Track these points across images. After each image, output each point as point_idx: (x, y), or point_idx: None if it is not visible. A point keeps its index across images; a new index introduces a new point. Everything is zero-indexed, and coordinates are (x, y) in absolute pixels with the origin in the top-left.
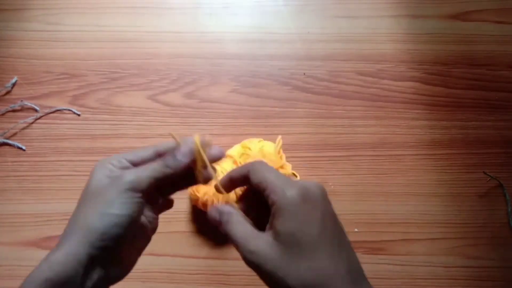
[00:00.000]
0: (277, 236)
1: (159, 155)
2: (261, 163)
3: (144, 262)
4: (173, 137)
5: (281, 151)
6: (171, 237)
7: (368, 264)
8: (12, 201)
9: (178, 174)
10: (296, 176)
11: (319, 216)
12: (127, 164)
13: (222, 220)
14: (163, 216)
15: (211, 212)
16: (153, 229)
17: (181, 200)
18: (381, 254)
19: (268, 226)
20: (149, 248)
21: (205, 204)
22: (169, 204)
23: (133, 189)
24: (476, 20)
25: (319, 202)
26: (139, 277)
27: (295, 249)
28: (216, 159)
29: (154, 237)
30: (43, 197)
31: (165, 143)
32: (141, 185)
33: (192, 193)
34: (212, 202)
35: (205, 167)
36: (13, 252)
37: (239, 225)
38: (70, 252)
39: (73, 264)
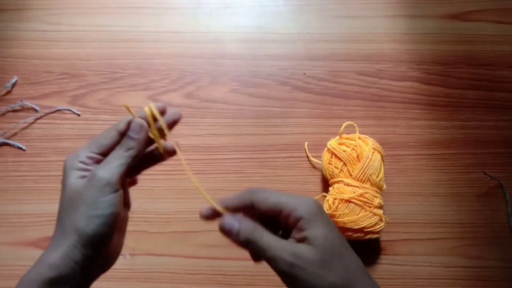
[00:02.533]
0: (311, 242)
1: (122, 134)
2: (261, 189)
3: (144, 262)
4: (128, 110)
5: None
6: (171, 237)
7: (368, 264)
8: (12, 201)
9: (143, 151)
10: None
11: (332, 222)
12: (96, 156)
13: (244, 228)
14: (162, 216)
15: (228, 220)
16: (128, 206)
17: (181, 200)
18: (381, 254)
19: (291, 240)
20: (149, 248)
21: (342, 228)
22: (134, 182)
23: (110, 184)
24: (476, 20)
25: (325, 212)
26: (139, 277)
27: (333, 251)
28: (173, 123)
29: (154, 237)
30: (43, 197)
31: (123, 120)
32: (116, 178)
33: (332, 217)
34: None
35: (163, 137)
36: (13, 252)
37: (270, 233)
38: (66, 255)
39: (71, 265)
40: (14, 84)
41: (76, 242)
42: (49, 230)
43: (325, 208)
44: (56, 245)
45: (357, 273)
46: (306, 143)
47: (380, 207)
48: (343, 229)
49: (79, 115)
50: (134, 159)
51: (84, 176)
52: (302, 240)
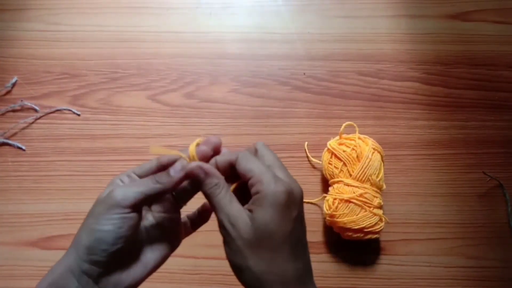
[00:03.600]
0: (254, 221)
1: (162, 167)
2: (248, 153)
3: None
4: (165, 152)
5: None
6: None
7: (368, 264)
8: (12, 201)
9: (173, 188)
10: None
11: (293, 216)
12: (136, 178)
13: (208, 182)
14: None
15: (195, 168)
16: (176, 241)
17: None
18: (381, 254)
19: (246, 206)
20: None
21: (342, 228)
22: (204, 218)
23: (119, 205)
24: (476, 20)
25: (297, 203)
26: None
27: (265, 239)
28: (217, 149)
29: None
30: (43, 197)
31: (168, 156)
32: (128, 201)
33: (329, 218)
34: None
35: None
36: (13, 252)
37: (227, 195)
38: (66, 264)
39: (67, 274)
40: (14, 84)
41: (75, 253)
42: (49, 230)
43: (324, 209)
44: (65, 253)
45: (287, 276)
46: (306, 143)
47: (380, 207)
48: (343, 229)
49: (79, 115)
50: (157, 193)
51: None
52: (249, 211)
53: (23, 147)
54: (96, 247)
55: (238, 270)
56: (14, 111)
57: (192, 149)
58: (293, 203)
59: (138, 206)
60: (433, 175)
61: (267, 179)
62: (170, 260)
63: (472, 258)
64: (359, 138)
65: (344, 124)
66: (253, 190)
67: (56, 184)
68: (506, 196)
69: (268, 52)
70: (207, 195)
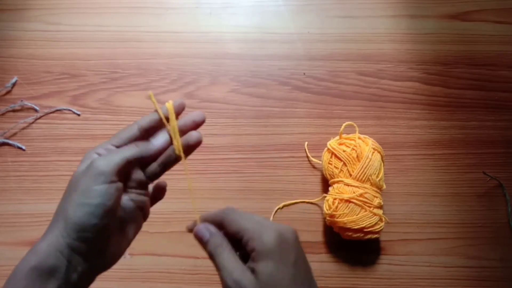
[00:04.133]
0: (257, 275)
1: (144, 131)
2: (233, 211)
3: (144, 262)
4: (152, 101)
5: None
6: (171, 237)
7: (368, 264)
8: (12, 201)
9: (153, 156)
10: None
11: (293, 259)
12: (113, 149)
13: (212, 242)
14: (162, 216)
15: (201, 229)
16: (144, 216)
17: (181, 200)
18: (381, 254)
19: (247, 265)
20: (149, 248)
21: (342, 228)
22: (161, 192)
23: (104, 174)
24: (476, 20)
25: (292, 246)
26: (139, 277)
27: None
28: (197, 124)
29: (154, 237)
30: (43, 197)
31: (147, 117)
32: (111, 169)
33: (329, 218)
34: None
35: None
36: (13, 252)
37: (230, 255)
38: (52, 243)
39: (56, 254)
40: (14, 84)
41: (62, 230)
42: None
43: (324, 209)
44: (46, 232)
45: None
46: (306, 143)
47: (380, 207)
48: (343, 229)
49: (79, 115)
50: (138, 157)
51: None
52: (252, 271)
53: (23, 147)
54: (87, 223)
55: None
56: (14, 111)
57: (169, 106)
58: (286, 246)
59: (122, 173)
60: (433, 175)
61: (257, 234)
62: (170, 260)
63: (472, 258)
64: (359, 138)
65: (344, 124)
66: (248, 248)
67: (56, 184)
68: (506, 196)
69: (268, 52)
70: (210, 255)
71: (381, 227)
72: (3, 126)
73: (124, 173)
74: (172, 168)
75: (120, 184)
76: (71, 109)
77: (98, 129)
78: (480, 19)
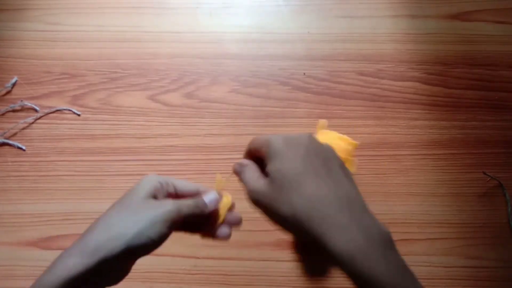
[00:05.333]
0: (268, 175)
1: (197, 194)
2: (259, 136)
3: (144, 262)
4: (217, 181)
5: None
6: (171, 237)
7: None
8: (12, 201)
9: (199, 217)
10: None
11: (302, 153)
12: (173, 191)
13: (238, 165)
14: None
15: (235, 166)
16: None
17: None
18: None
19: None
20: None
21: None
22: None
23: (168, 219)
24: (476, 20)
25: (302, 144)
26: (139, 277)
27: (285, 183)
28: (233, 224)
29: None
30: (43, 197)
31: (209, 189)
32: (175, 217)
33: None
34: None
35: (220, 223)
36: (13, 252)
37: (250, 171)
38: (80, 262)
39: (83, 271)
40: (14, 84)
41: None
42: (49, 230)
43: None
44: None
45: (323, 202)
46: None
47: None
48: None
49: (79, 115)
50: (192, 216)
51: (152, 196)
52: (266, 175)
53: (23, 147)
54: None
55: (287, 219)
56: (14, 111)
57: (228, 200)
58: (294, 145)
59: (176, 225)
60: (433, 175)
61: (267, 139)
62: (170, 260)
63: (472, 258)
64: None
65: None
66: (264, 157)
67: (56, 184)
68: (506, 196)
69: (268, 52)
70: (238, 177)
71: None
72: (3, 126)
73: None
74: (172, 169)
75: (168, 232)
76: (71, 109)
77: (98, 129)
78: (480, 19)
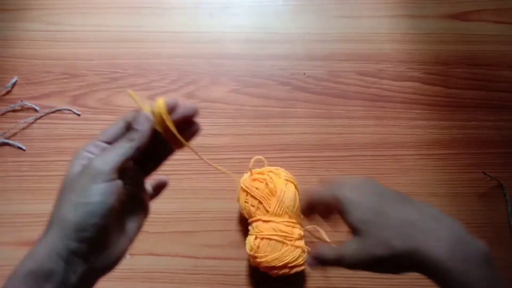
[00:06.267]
0: (352, 230)
1: (129, 126)
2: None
3: (144, 262)
4: (133, 99)
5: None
6: (171, 237)
7: None
8: (12, 201)
9: (147, 144)
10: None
11: (372, 192)
12: (102, 145)
13: (320, 257)
14: (162, 216)
15: (309, 262)
16: (145, 212)
17: (181, 200)
18: None
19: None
20: (149, 248)
21: (267, 267)
22: (161, 187)
23: (103, 172)
24: (476, 20)
25: (368, 184)
26: (139, 277)
27: (370, 225)
28: (189, 117)
29: (154, 237)
30: (43, 197)
31: (132, 112)
32: (110, 167)
33: (252, 260)
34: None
35: (171, 132)
36: (13, 252)
37: (325, 248)
38: (49, 246)
39: (53, 257)
40: (14, 84)
41: (60, 232)
42: None
43: (247, 249)
44: (43, 236)
45: (414, 220)
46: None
47: (301, 238)
48: (268, 268)
49: (79, 115)
50: (135, 151)
51: (83, 165)
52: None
53: (23, 147)
54: (86, 222)
55: (392, 257)
56: (14, 111)
57: (160, 103)
58: (361, 190)
59: (120, 171)
60: (433, 175)
61: (338, 195)
62: (170, 260)
63: None
64: (269, 171)
65: (253, 160)
66: (337, 212)
67: (56, 184)
68: (506, 196)
69: (268, 52)
70: (326, 263)
71: (304, 258)
72: (3, 126)
73: (122, 169)
74: (171, 169)
75: (119, 182)
76: (71, 109)
77: (98, 129)
78: (480, 19)
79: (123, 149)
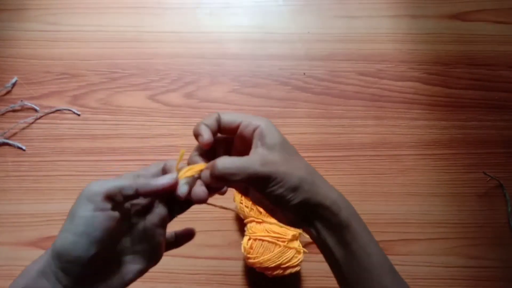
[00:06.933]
0: (271, 147)
1: (164, 172)
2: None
3: None
4: (178, 159)
5: None
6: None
7: None
8: (12, 201)
9: (149, 195)
10: None
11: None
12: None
13: (213, 171)
14: None
15: (205, 179)
16: (155, 258)
17: None
18: None
19: (252, 150)
20: None
21: (261, 268)
22: (187, 235)
23: (92, 199)
24: (476, 20)
25: (276, 129)
26: None
27: (286, 154)
28: (198, 202)
29: None
30: (43, 197)
31: (170, 162)
32: (102, 190)
33: (247, 260)
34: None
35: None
36: (13, 252)
37: (229, 159)
38: (40, 268)
39: (42, 281)
40: (14, 84)
41: (49, 257)
42: (48, 230)
43: (242, 250)
44: (44, 253)
45: (312, 169)
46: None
47: (296, 238)
48: (262, 269)
49: (79, 115)
50: (133, 191)
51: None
52: (258, 147)
53: (23, 147)
54: (69, 254)
55: (293, 191)
56: (14, 111)
57: (195, 169)
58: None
59: (112, 199)
60: (433, 175)
61: (253, 118)
62: (170, 260)
63: (472, 258)
64: None
65: None
66: (247, 130)
67: (56, 184)
68: (506, 196)
69: (268, 52)
70: (223, 175)
71: (299, 259)
72: (3, 126)
73: (115, 199)
74: None
75: (113, 214)
76: (71, 109)
77: (98, 129)
78: (480, 19)
79: (122, 182)
